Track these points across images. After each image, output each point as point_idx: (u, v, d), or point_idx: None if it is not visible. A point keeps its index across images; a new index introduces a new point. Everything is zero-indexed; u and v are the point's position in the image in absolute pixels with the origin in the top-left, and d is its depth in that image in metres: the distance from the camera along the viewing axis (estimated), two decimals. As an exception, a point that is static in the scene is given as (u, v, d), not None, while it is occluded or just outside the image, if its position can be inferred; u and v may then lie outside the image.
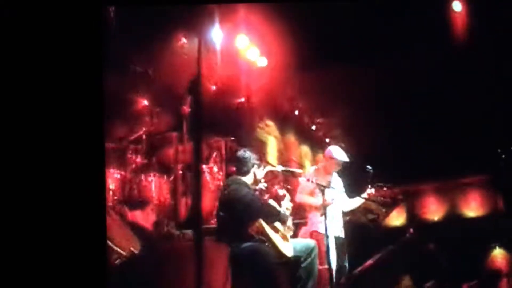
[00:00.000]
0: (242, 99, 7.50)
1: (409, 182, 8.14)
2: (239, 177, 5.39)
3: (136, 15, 6.09)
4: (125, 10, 5.93)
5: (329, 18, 6.72)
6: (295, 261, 5.32)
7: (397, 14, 6.77)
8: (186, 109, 6.53)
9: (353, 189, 6.30)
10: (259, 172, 5.47)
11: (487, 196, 8.29)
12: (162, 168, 6.49)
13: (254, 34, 7.21)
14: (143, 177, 6.16)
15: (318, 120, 8.84)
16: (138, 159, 6.32)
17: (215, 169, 6.48)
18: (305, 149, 9.03)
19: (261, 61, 7.53)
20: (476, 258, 7.06)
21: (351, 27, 7.06)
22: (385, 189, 6.27)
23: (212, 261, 5.09)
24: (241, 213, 5.12)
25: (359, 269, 6.53)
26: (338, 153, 6.15)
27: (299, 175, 6.13)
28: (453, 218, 8.15)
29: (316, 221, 5.93)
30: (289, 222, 5.59)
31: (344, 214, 6.24)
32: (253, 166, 5.40)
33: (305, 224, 6.16)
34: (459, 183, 8.31)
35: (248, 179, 5.38)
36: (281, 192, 5.70)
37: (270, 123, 8.31)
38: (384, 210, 6.35)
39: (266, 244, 5.12)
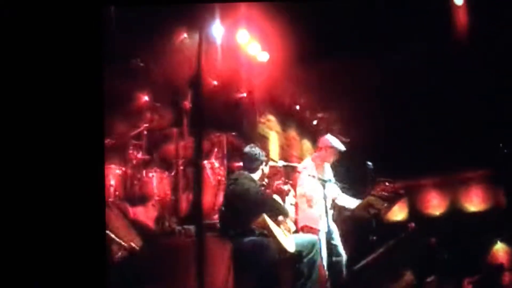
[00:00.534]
0: (243, 94, 7.48)
1: (411, 177, 8.13)
2: (245, 172, 5.40)
3: (137, 11, 6.07)
4: (126, 7, 5.92)
5: (330, 12, 6.70)
6: (298, 256, 5.34)
7: (398, 8, 6.76)
8: (187, 104, 6.52)
9: (354, 185, 6.30)
10: (265, 168, 5.49)
11: (488, 191, 8.29)
12: (163, 163, 6.48)
13: (255, 29, 7.19)
14: (144, 172, 6.15)
15: (319, 115, 8.82)
16: (139, 155, 6.31)
17: (216, 164, 6.47)
18: (307, 144, 9.02)
19: (262, 56, 7.51)
20: (478, 252, 7.06)
21: (352, 21, 7.04)
22: (386, 184, 6.25)
23: (214, 256, 5.10)
24: (245, 208, 5.13)
25: (360, 264, 6.53)
26: (335, 142, 6.17)
27: (301, 170, 6.12)
28: (455, 213, 8.15)
29: (305, 216, 5.91)
30: (292, 217, 5.61)
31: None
32: (261, 163, 5.42)
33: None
34: (461, 178, 8.30)
35: (256, 175, 5.39)
36: (286, 187, 5.70)
37: (271, 118, 8.31)
38: (385, 205, 6.32)
39: (269, 239, 5.13)
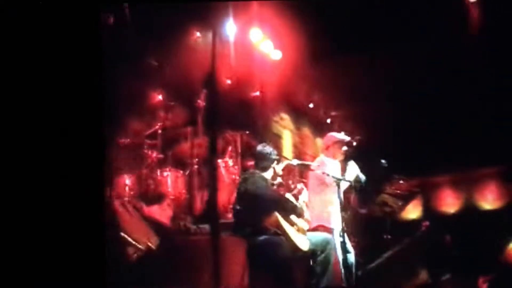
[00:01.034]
0: (257, 93, 7.49)
1: (425, 175, 8.08)
2: (257, 171, 5.40)
3: (151, 11, 6.10)
4: (140, 7, 5.96)
5: (343, 9, 6.69)
6: (311, 254, 5.34)
7: (411, 5, 6.73)
8: (201, 103, 6.54)
9: (368, 183, 6.28)
10: (278, 167, 5.48)
11: (503, 188, 8.21)
12: (178, 162, 6.52)
13: (267, 28, 7.19)
14: (159, 172, 6.18)
15: (333, 113, 8.79)
16: (154, 154, 6.34)
17: (231, 163, 6.49)
18: (320, 142, 8.98)
19: (275, 54, 7.51)
20: (493, 251, 7.01)
21: (366, 18, 7.02)
22: (401, 182, 6.24)
23: (229, 254, 5.12)
24: (258, 207, 5.13)
25: (375, 262, 6.52)
26: (339, 135, 6.18)
27: (315, 168, 6.11)
28: (469, 211, 8.08)
29: (319, 214, 5.90)
30: (306, 216, 5.60)
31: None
32: (273, 162, 5.41)
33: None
34: (475, 175, 8.22)
35: (267, 174, 5.39)
36: (299, 185, 5.70)
37: (285, 116, 8.30)
38: (400, 203, 6.32)
39: (282, 237, 5.14)
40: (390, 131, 7.72)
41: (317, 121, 8.99)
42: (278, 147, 7.23)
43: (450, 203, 8.16)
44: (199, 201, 6.17)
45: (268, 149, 5.49)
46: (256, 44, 7.25)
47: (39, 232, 3.93)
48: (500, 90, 7.57)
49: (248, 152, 6.62)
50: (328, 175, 5.83)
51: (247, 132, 6.89)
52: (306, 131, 8.85)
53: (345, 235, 5.83)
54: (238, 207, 5.29)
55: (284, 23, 6.97)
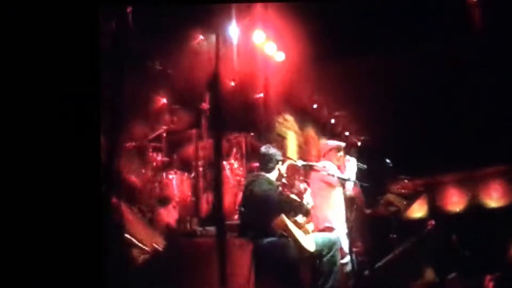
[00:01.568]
0: (261, 94, 7.50)
1: (430, 174, 8.09)
2: (262, 173, 5.42)
3: (154, 14, 6.12)
4: (143, 10, 5.97)
5: (346, 11, 6.70)
6: (317, 255, 5.35)
7: (414, 7, 6.74)
8: (205, 106, 6.55)
9: (373, 183, 6.29)
10: (282, 167, 5.50)
11: (508, 186, 8.21)
12: (183, 165, 6.53)
13: (270, 30, 7.21)
14: (164, 174, 6.20)
15: (336, 114, 8.82)
16: (159, 157, 6.37)
17: (236, 165, 6.50)
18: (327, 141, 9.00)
19: (279, 56, 7.53)
20: (499, 249, 7.00)
21: (369, 19, 7.03)
22: (405, 181, 6.25)
23: (235, 257, 5.11)
24: (264, 208, 5.15)
25: (381, 262, 6.52)
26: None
27: (320, 169, 6.13)
28: (475, 209, 8.09)
29: (325, 215, 5.91)
30: (311, 216, 5.61)
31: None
32: (277, 163, 5.43)
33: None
34: (481, 174, 8.24)
35: (272, 175, 5.41)
36: (303, 186, 5.71)
37: (289, 117, 8.32)
38: (405, 202, 6.33)
39: (289, 239, 5.15)
40: (395, 130, 7.74)
41: (321, 121, 9.01)
42: (282, 148, 7.25)
43: (455, 202, 8.17)
44: (205, 203, 6.18)
45: (272, 150, 5.51)
46: (259, 46, 7.27)
47: (43, 235, 3.95)
48: (505, 90, 7.57)
49: (253, 153, 6.64)
50: (333, 175, 5.85)
51: (252, 133, 6.90)
52: (310, 131, 8.88)
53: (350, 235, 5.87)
54: (244, 210, 5.31)
55: (287, 25, 6.98)
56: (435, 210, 7.99)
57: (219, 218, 5.35)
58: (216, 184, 5.87)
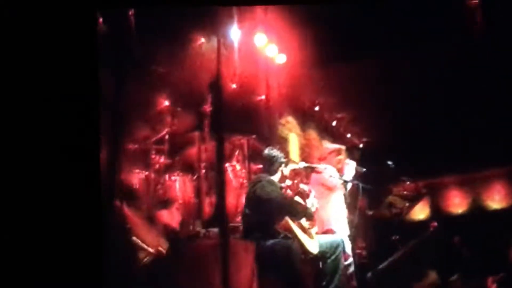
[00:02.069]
0: (263, 97, 7.51)
1: (432, 175, 8.10)
2: (266, 175, 5.43)
3: (155, 17, 6.13)
4: (144, 12, 5.98)
5: (348, 14, 6.71)
6: (321, 257, 5.35)
7: (417, 7, 6.75)
8: (207, 108, 6.56)
9: (375, 185, 6.30)
10: (285, 169, 5.51)
11: (511, 188, 8.21)
12: (186, 167, 6.53)
13: (272, 32, 7.22)
14: (167, 177, 6.21)
15: (338, 115, 8.82)
16: (162, 159, 6.37)
17: (238, 167, 6.51)
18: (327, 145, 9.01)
19: (280, 58, 7.54)
20: (501, 251, 7.01)
21: (371, 21, 7.05)
22: (408, 183, 6.25)
23: (238, 259, 5.11)
24: (268, 211, 5.15)
25: (384, 264, 6.53)
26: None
27: (322, 171, 6.14)
28: (477, 211, 8.09)
29: (328, 217, 5.91)
30: (315, 218, 5.61)
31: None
32: (280, 165, 5.44)
33: None
34: (483, 176, 8.24)
35: (275, 177, 5.42)
36: (306, 188, 5.72)
37: (290, 119, 8.33)
38: (407, 204, 6.33)
39: (293, 241, 5.15)
40: (396, 132, 7.74)
41: (323, 123, 9.02)
42: (284, 150, 7.25)
43: (457, 203, 8.18)
44: (208, 205, 6.19)
45: (274, 152, 5.53)
46: (261, 49, 7.28)
47: (43, 235, 3.95)
48: (508, 91, 7.58)
49: (255, 156, 6.65)
50: (335, 177, 5.86)
51: (254, 136, 6.91)
52: (312, 134, 8.88)
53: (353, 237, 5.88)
54: (247, 212, 5.32)
55: (289, 28, 7.00)
56: (437, 212, 8.00)
57: (222, 220, 5.36)
58: (219, 186, 5.88)
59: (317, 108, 8.83)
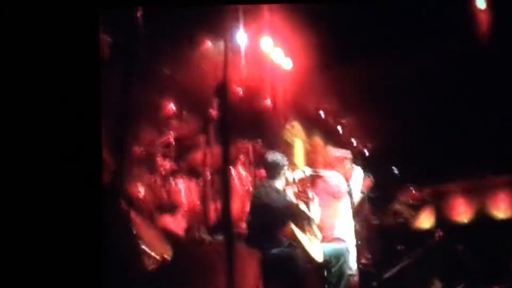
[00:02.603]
0: (268, 101, 7.49)
1: (437, 183, 8.05)
2: (270, 181, 5.40)
3: (162, 20, 6.12)
4: (151, 15, 5.97)
5: (354, 17, 6.70)
6: (325, 265, 5.33)
7: (420, 12, 6.74)
8: (213, 112, 6.55)
9: (380, 193, 6.27)
10: (289, 175, 5.48)
11: (516, 197, 8.17)
12: (191, 172, 6.51)
13: (278, 36, 7.21)
14: (172, 181, 6.19)
15: (343, 121, 8.78)
16: (167, 163, 6.35)
17: (243, 172, 6.49)
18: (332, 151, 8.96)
19: (286, 63, 7.52)
20: (507, 260, 6.98)
21: (377, 26, 7.03)
22: (413, 191, 6.22)
23: (243, 266, 5.11)
24: (272, 218, 5.14)
25: (389, 273, 6.50)
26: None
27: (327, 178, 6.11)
28: (483, 219, 8.04)
29: (330, 226, 5.88)
30: (319, 225, 5.59)
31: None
32: (283, 169, 5.42)
33: None
34: (488, 184, 8.19)
35: (279, 183, 5.39)
36: (310, 194, 5.69)
37: (296, 124, 8.29)
38: (412, 212, 6.30)
39: (297, 248, 5.13)
40: (402, 139, 7.70)
41: (328, 129, 8.97)
42: (289, 155, 7.22)
43: (463, 211, 8.12)
44: (213, 210, 6.17)
45: (276, 156, 5.51)
46: (267, 53, 7.26)
47: (43, 236, 3.94)
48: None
49: (260, 161, 6.62)
50: (342, 185, 5.83)
51: (259, 140, 6.88)
52: (317, 139, 8.83)
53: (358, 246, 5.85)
54: (252, 218, 5.30)
55: (295, 32, 6.98)
56: (442, 220, 7.94)
57: (227, 226, 5.35)
58: (224, 192, 5.86)
59: (322, 113, 8.79)
